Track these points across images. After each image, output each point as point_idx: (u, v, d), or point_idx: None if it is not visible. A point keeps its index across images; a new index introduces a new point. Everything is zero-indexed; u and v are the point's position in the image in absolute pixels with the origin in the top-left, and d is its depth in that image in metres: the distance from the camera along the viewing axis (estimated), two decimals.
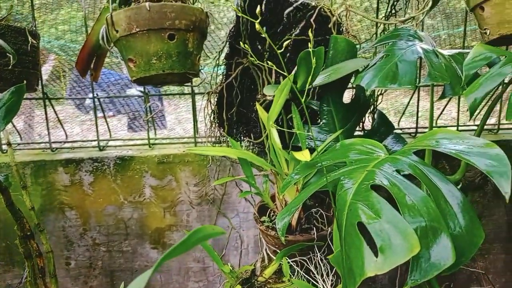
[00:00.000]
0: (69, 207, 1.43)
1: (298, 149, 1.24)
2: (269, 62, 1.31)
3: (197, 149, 1.04)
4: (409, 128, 1.63)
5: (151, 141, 1.54)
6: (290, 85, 0.91)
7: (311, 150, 1.20)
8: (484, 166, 0.68)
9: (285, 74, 0.85)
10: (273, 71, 1.33)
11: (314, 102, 1.30)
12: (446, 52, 1.20)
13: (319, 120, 1.25)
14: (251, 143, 1.36)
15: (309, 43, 0.87)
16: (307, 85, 1.21)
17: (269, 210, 1.18)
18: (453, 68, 1.07)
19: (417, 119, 1.55)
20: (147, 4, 1.05)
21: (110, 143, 1.56)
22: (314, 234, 1.04)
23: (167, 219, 1.46)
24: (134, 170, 1.41)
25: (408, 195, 0.70)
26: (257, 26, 0.75)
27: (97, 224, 1.45)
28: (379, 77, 1.03)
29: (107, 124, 1.56)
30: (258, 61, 1.29)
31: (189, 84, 1.32)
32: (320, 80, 1.20)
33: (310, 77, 1.15)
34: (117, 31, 1.11)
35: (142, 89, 1.32)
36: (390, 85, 1.00)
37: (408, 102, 1.56)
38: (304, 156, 0.90)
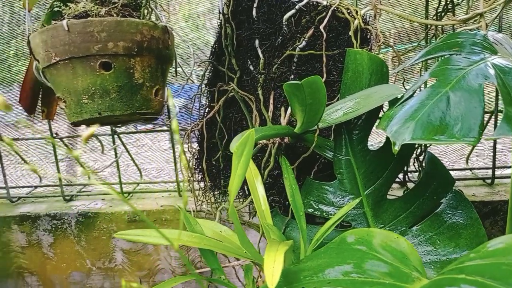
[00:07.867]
0: (29, 272, 1.20)
1: (310, 216, 0.88)
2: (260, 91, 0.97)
3: (128, 234, 0.72)
4: (480, 169, 1.17)
5: (130, 188, 1.25)
6: (253, 139, 0.56)
7: (324, 220, 0.83)
8: None
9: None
10: (271, 102, 0.97)
11: (329, 144, 0.91)
12: None
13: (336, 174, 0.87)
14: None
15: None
16: (311, 125, 0.84)
17: None
18: None
19: (494, 159, 1.08)
20: (64, 22, 0.75)
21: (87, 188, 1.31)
22: None
23: None
24: (101, 230, 1.14)
25: None
26: None
27: None
28: (416, 121, 0.63)
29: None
30: (241, 92, 0.94)
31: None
32: (331, 118, 0.82)
33: (308, 117, 0.78)
34: (38, 61, 0.83)
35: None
36: (434, 137, 0.60)
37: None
38: (274, 266, 0.54)
